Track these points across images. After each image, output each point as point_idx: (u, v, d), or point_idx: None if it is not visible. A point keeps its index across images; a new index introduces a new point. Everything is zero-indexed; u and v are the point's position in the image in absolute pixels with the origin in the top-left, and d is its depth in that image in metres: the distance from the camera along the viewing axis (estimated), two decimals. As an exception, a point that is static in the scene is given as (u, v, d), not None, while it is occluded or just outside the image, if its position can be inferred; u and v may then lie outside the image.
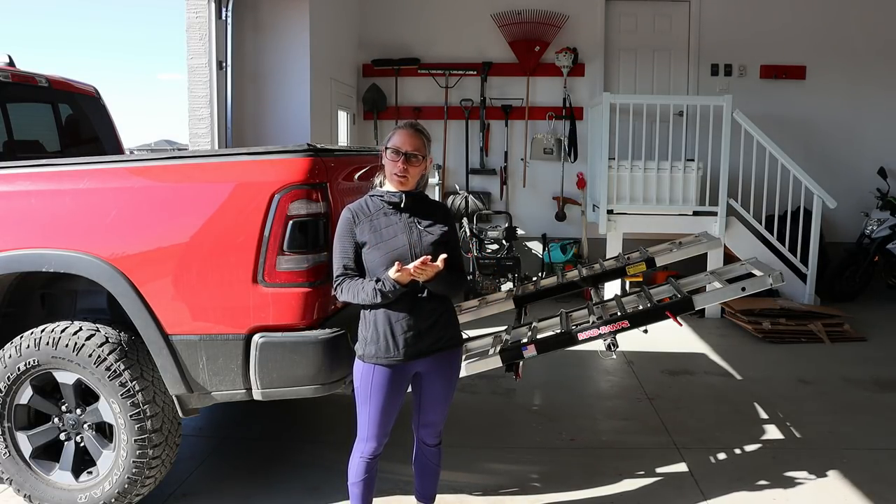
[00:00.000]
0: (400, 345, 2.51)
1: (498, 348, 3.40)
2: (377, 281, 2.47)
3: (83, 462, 3.07)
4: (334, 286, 2.58)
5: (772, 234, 6.81)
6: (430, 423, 2.75)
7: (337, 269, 2.57)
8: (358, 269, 2.57)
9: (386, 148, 2.56)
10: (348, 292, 2.52)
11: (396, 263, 2.42)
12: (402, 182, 2.56)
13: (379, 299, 2.45)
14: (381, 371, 2.53)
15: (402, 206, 2.56)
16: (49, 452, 3.09)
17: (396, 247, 2.50)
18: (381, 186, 2.64)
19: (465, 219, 7.75)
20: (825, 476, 3.45)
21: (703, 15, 7.94)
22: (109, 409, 2.93)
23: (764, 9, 7.88)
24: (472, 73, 8.01)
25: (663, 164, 6.72)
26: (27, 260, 2.97)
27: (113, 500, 2.97)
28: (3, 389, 3.00)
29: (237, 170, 2.88)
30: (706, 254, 6.20)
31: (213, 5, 5.64)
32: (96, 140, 4.87)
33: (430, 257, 2.43)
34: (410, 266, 2.40)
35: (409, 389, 2.71)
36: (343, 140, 7.56)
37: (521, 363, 3.36)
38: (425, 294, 2.52)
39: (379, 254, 2.51)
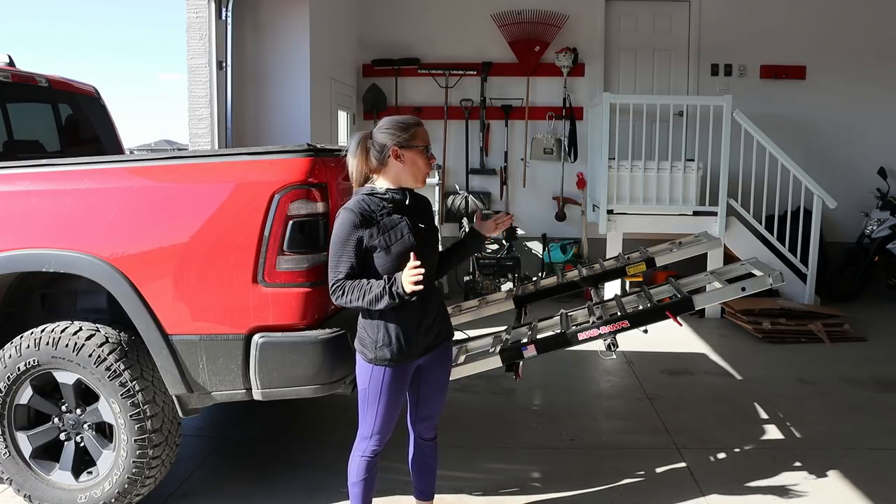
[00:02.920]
0: (412, 344, 2.51)
1: (498, 348, 3.40)
2: (388, 280, 2.41)
3: (83, 462, 3.07)
4: (332, 289, 2.47)
5: (772, 234, 6.82)
6: (428, 416, 2.75)
7: (339, 273, 2.46)
8: (362, 273, 2.48)
9: (413, 146, 2.48)
10: (351, 293, 2.43)
11: (412, 271, 2.35)
12: (424, 180, 2.57)
13: (392, 301, 2.39)
14: (391, 371, 2.52)
15: (407, 203, 2.54)
16: (49, 452, 3.09)
17: (405, 247, 2.45)
18: (377, 185, 2.55)
19: (465, 219, 7.75)
20: (825, 476, 3.45)
21: (703, 15, 7.94)
22: (109, 409, 2.93)
23: (764, 9, 7.88)
24: (472, 73, 8.01)
25: (663, 164, 6.72)
26: (27, 260, 2.96)
27: (113, 500, 2.97)
28: (3, 389, 3.00)
29: (237, 170, 2.87)
30: (706, 254, 6.21)
31: (213, 5, 5.64)
32: (96, 140, 4.87)
33: (419, 263, 2.37)
34: (410, 276, 2.34)
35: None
36: (343, 140, 7.56)
37: (521, 363, 3.36)
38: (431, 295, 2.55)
39: (389, 257, 2.45)
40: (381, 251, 2.46)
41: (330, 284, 2.49)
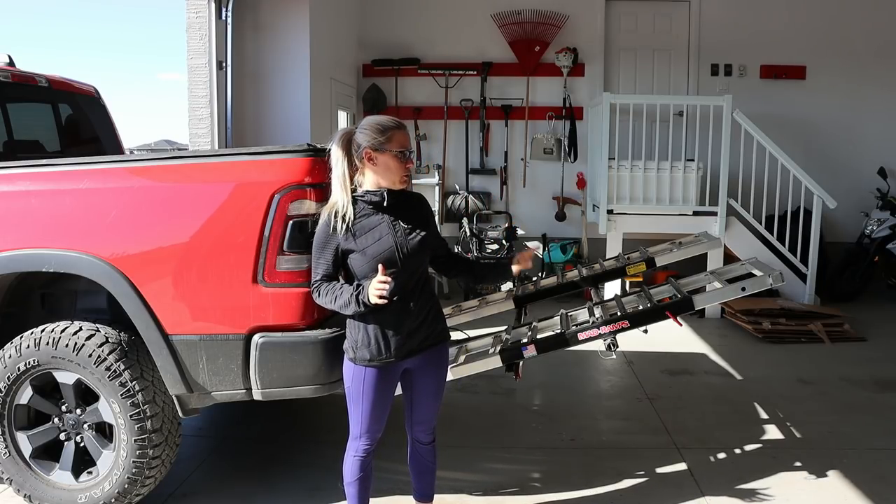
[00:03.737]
0: (392, 347, 2.50)
1: (498, 348, 3.40)
2: (356, 287, 2.44)
3: (83, 462, 3.07)
4: (311, 290, 2.57)
5: (772, 234, 6.82)
6: (423, 420, 2.75)
7: (316, 275, 2.54)
8: (338, 275, 2.54)
9: (387, 150, 2.46)
10: (325, 297, 2.50)
11: (377, 283, 2.36)
12: (407, 181, 2.54)
13: (359, 308, 2.43)
14: (373, 371, 2.52)
15: (384, 205, 2.50)
16: (49, 452, 3.09)
17: (383, 249, 2.45)
18: (359, 186, 2.54)
19: (465, 219, 7.75)
20: (825, 476, 3.45)
21: (703, 15, 7.94)
22: (109, 409, 2.93)
23: (764, 9, 7.89)
24: (472, 73, 8.01)
25: (663, 164, 6.72)
26: (27, 260, 2.97)
27: (113, 500, 2.97)
28: (3, 389, 3.00)
29: (237, 170, 2.88)
30: (706, 254, 6.20)
31: (213, 5, 5.64)
32: (96, 140, 4.87)
33: (388, 279, 2.36)
34: (375, 287, 2.35)
35: (399, 390, 2.71)
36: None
37: (521, 363, 3.36)
38: (412, 304, 2.52)
39: (365, 259, 2.45)
40: (358, 253, 2.47)
41: (310, 286, 2.58)
